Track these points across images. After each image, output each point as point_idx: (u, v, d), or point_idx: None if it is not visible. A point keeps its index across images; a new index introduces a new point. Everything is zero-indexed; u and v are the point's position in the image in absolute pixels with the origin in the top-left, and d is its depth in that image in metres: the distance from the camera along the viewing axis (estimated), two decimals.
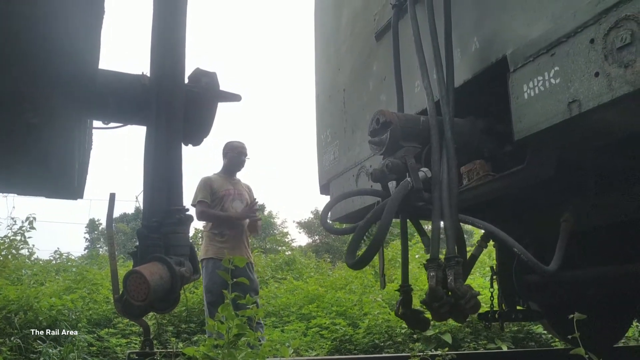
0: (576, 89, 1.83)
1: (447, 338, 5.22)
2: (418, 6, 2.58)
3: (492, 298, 3.72)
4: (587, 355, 1.96)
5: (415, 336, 5.63)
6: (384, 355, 4.92)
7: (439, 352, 3.63)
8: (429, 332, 5.40)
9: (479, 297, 2.08)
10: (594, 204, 2.64)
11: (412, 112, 2.64)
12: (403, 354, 4.36)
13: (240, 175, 5.10)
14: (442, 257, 2.14)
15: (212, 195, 4.77)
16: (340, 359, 4.69)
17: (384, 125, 2.28)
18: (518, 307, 3.69)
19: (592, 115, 1.80)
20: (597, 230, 3.09)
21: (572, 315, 2.06)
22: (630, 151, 2.47)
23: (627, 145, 2.37)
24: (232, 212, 4.74)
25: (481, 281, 7.08)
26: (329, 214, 2.80)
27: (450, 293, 2.02)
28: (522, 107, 2.07)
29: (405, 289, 2.47)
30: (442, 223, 2.15)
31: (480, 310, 4.07)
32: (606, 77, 1.71)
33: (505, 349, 5.35)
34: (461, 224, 2.34)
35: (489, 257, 7.80)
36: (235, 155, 4.98)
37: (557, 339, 5.37)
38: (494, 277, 3.71)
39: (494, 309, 3.64)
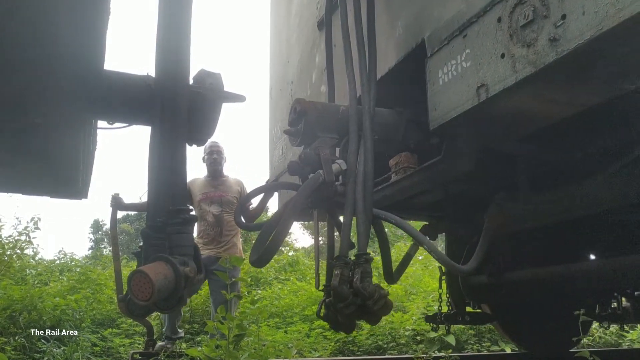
0: (484, 72, 1.68)
1: (451, 340, 5.19)
2: None
3: (440, 299, 3.57)
4: (591, 357, 1.96)
5: (418, 338, 5.62)
6: (387, 356, 4.89)
7: (442, 354, 3.61)
8: (432, 334, 5.38)
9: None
10: (527, 202, 2.44)
11: (346, 103, 2.48)
12: (406, 356, 4.35)
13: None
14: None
15: (191, 198, 4.80)
16: None
17: (300, 114, 2.15)
18: (468, 309, 3.55)
19: (500, 101, 1.65)
20: (543, 230, 2.92)
21: (577, 312, 2.03)
22: (566, 144, 2.28)
23: (562, 137, 2.22)
24: (209, 217, 4.73)
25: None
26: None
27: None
28: (437, 94, 1.91)
29: (329, 290, 2.37)
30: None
31: (429, 313, 3.95)
32: (511, 58, 1.57)
33: (508, 351, 5.32)
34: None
35: None
36: (206, 157, 4.93)
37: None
38: (443, 277, 3.58)
39: (442, 310, 3.50)
